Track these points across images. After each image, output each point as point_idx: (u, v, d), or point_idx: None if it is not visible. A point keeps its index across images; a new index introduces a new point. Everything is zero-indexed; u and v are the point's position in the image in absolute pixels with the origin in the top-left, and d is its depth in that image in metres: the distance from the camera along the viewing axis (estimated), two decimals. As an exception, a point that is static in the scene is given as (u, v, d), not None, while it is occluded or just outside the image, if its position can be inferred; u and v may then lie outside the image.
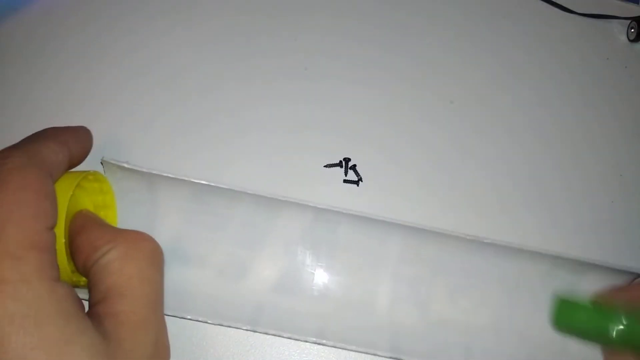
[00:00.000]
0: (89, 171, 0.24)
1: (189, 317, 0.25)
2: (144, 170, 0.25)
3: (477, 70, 0.35)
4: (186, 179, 0.25)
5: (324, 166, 0.30)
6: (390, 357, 0.26)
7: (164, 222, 0.27)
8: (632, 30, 0.37)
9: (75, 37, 0.33)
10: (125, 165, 0.25)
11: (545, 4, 0.38)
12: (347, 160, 0.31)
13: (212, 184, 0.25)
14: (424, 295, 0.27)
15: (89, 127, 0.25)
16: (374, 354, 0.26)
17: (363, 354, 0.26)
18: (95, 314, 0.19)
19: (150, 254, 0.21)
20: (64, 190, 0.21)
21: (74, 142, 0.23)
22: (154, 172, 0.25)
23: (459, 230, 0.26)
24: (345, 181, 0.30)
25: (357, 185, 0.30)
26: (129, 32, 0.33)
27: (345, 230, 0.27)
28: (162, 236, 0.25)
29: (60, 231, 0.20)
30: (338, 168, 0.30)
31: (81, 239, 0.21)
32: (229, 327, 0.25)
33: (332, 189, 0.30)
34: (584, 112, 0.35)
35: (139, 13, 0.34)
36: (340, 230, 0.27)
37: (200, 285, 0.26)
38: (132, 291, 0.20)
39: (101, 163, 0.25)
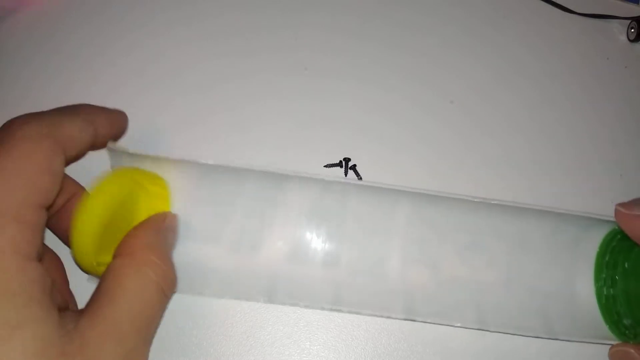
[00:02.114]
0: (154, 173, 0.24)
1: (204, 294, 0.25)
2: (151, 154, 0.25)
3: (477, 70, 0.35)
4: (194, 160, 0.25)
5: (324, 166, 0.30)
6: (404, 319, 0.26)
7: (174, 202, 0.27)
8: (632, 30, 0.37)
9: (77, 32, 0.33)
10: (131, 151, 0.25)
11: (545, 4, 0.38)
12: (347, 160, 0.31)
13: (219, 164, 0.25)
14: (433, 256, 0.28)
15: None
16: (388, 317, 0.26)
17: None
18: (79, 310, 0.19)
19: (159, 280, 0.21)
20: (124, 181, 0.22)
21: (103, 122, 0.22)
22: (161, 155, 0.25)
23: (466, 194, 0.27)
24: (345, 181, 0.30)
25: (357, 185, 0.30)
26: (128, 30, 0.33)
27: (353, 200, 0.28)
28: (180, 202, 0.26)
29: (97, 218, 0.20)
30: (338, 168, 0.30)
31: (135, 233, 0.22)
32: (245, 300, 0.26)
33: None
34: (584, 112, 0.35)
35: (140, 11, 0.34)
36: (349, 200, 0.28)
37: (213, 262, 0.26)
38: (123, 303, 0.19)
39: (107, 150, 0.25)
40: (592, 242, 0.28)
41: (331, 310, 0.26)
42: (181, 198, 0.27)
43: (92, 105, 0.22)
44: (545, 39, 0.37)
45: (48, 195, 0.18)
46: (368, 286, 0.27)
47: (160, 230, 0.23)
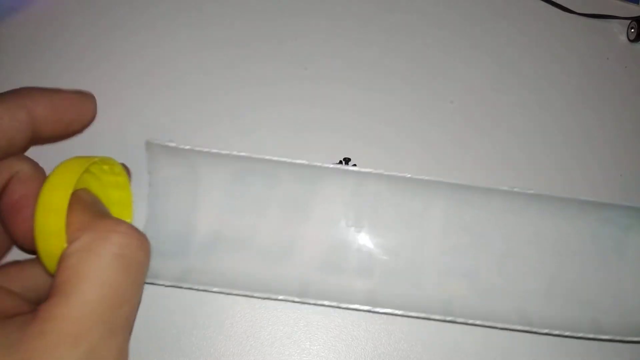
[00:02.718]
0: (102, 158, 0.21)
1: (235, 293, 0.25)
2: (187, 147, 0.26)
3: (477, 70, 0.35)
4: (230, 153, 0.26)
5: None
6: (444, 321, 0.26)
7: (207, 200, 0.27)
8: (632, 30, 0.37)
9: (78, 33, 0.33)
10: (171, 144, 0.26)
11: (545, 4, 0.38)
12: (347, 160, 0.31)
13: (258, 156, 0.26)
14: (471, 265, 0.27)
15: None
16: (427, 319, 0.26)
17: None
18: (34, 311, 0.16)
19: (119, 251, 0.17)
20: (69, 174, 0.19)
21: (44, 106, 0.19)
22: (197, 149, 0.26)
23: (503, 186, 0.27)
24: (345, 181, 0.30)
25: (357, 185, 0.30)
26: (131, 33, 0.33)
27: (385, 202, 0.28)
28: (207, 215, 0.27)
29: (59, 218, 0.18)
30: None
31: (68, 219, 0.18)
32: (277, 300, 0.25)
33: (332, 189, 0.30)
34: (583, 112, 0.35)
35: (142, 15, 0.34)
36: (381, 203, 0.28)
37: (244, 266, 0.27)
38: (79, 295, 0.16)
39: (146, 145, 0.26)
40: (637, 237, 0.28)
41: (366, 311, 0.26)
42: (215, 194, 0.27)
43: (33, 88, 0.20)
44: (545, 39, 0.37)
45: None
46: (404, 294, 0.27)
47: (82, 199, 0.19)
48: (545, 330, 0.25)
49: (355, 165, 0.31)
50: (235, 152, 0.26)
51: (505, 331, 0.27)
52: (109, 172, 0.24)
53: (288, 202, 0.27)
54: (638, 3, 0.39)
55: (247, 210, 0.27)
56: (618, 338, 0.26)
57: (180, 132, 0.31)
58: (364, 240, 0.28)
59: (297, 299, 0.25)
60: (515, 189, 0.27)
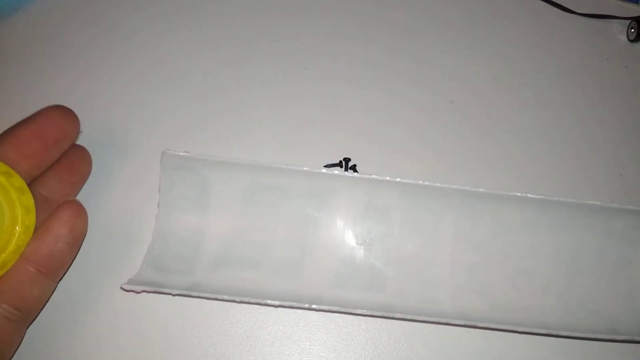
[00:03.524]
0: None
1: (246, 301, 0.25)
2: (202, 157, 0.27)
3: (478, 70, 0.35)
4: (242, 162, 0.27)
5: (324, 166, 0.30)
6: (462, 326, 0.26)
7: (217, 217, 0.27)
8: (632, 30, 0.37)
9: (78, 33, 0.33)
10: (183, 154, 0.26)
11: (545, 4, 0.38)
12: (347, 160, 0.31)
13: (270, 165, 0.27)
14: (484, 283, 0.27)
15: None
16: (446, 324, 0.26)
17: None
18: None
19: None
20: None
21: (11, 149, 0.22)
22: (210, 158, 0.27)
23: (516, 192, 0.27)
24: (345, 181, 0.30)
25: (357, 185, 0.30)
26: (129, 33, 0.33)
27: (399, 206, 0.28)
28: (216, 232, 0.27)
29: None
30: (338, 168, 0.30)
31: None
32: (290, 307, 0.26)
33: (332, 189, 0.30)
34: (584, 112, 0.35)
35: (140, 15, 0.34)
36: (395, 206, 0.28)
37: (256, 279, 0.27)
38: None
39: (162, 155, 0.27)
40: None
41: (382, 317, 0.26)
42: (224, 211, 0.27)
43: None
44: (545, 39, 0.37)
45: None
46: (419, 309, 0.26)
47: None
48: (565, 333, 0.26)
49: (355, 165, 0.31)
50: (247, 162, 0.27)
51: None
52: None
53: (298, 217, 0.27)
54: (638, 3, 0.39)
55: (257, 226, 0.27)
56: (635, 339, 0.26)
57: (178, 130, 0.31)
58: (376, 255, 0.28)
59: (310, 306, 0.25)
60: (528, 195, 0.27)
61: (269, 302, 0.25)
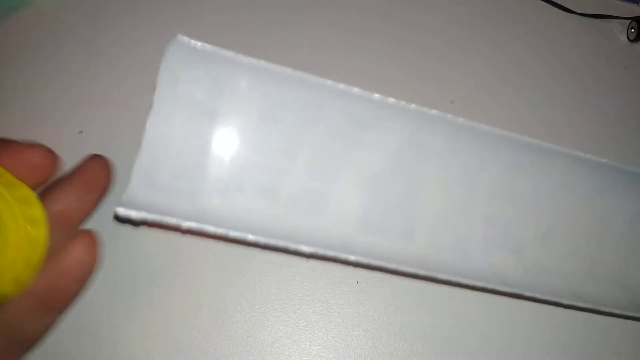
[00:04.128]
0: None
1: (263, 242, 0.20)
2: (223, 52, 0.21)
3: (478, 70, 0.35)
4: (266, 64, 0.22)
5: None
6: (491, 288, 0.24)
7: (231, 128, 0.22)
8: (632, 30, 0.37)
9: (77, 33, 0.33)
10: (202, 45, 0.21)
11: (545, 4, 0.38)
12: (347, 160, 0.30)
13: (301, 74, 0.22)
14: (517, 240, 0.26)
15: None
16: (474, 285, 0.23)
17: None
18: None
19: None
20: None
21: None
22: (227, 53, 0.22)
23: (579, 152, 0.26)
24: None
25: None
26: (127, 29, 0.33)
27: (441, 146, 0.25)
28: (228, 148, 0.22)
29: None
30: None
31: None
32: (323, 257, 0.21)
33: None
34: (584, 112, 0.35)
35: (139, 12, 0.34)
36: (437, 147, 0.25)
37: (275, 211, 0.22)
38: None
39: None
40: None
41: (413, 277, 0.23)
42: (241, 122, 0.22)
43: None
44: (545, 39, 0.37)
45: None
46: (450, 263, 0.24)
47: None
48: (592, 306, 0.24)
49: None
50: (272, 65, 0.21)
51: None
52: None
53: (326, 144, 0.23)
54: (638, 3, 0.39)
55: (280, 148, 0.23)
56: None
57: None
58: (410, 198, 0.24)
59: (341, 255, 0.21)
60: (579, 153, 0.26)
61: (301, 247, 0.20)
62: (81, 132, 0.28)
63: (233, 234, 0.19)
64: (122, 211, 0.19)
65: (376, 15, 0.36)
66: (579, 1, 0.38)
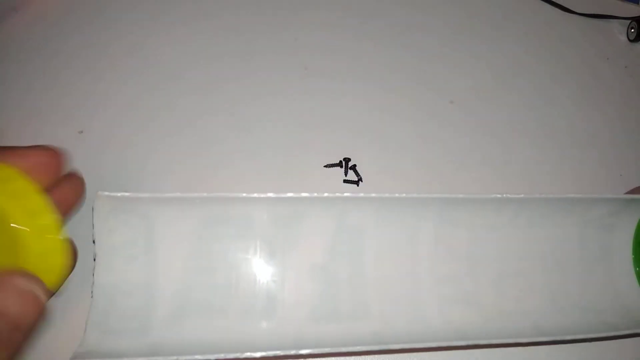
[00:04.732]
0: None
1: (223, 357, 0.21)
2: (144, 195, 0.22)
3: (478, 70, 0.35)
4: (191, 196, 0.23)
5: (324, 166, 0.30)
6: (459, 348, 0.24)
7: (169, 260, 0.23)
8: (632, 30, 0.37)
9: (77, 32, 0.33)
10: (123, 195, 0.22)
11: (545, 4, 0.38)
12: (347, 160, 0.31)
13: (225, 195, 0.23)
14: (469, 292, 0.26)
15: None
16: (449, 348, 0.24)
17: None
18: None
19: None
20: None
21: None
22: (155, 195, 0.22)
23: (494, 193, 0.25)
24: (345, 181, 0.30)
25: (357, 185, 0.30)
26: (127, 31, 0.33)
27: (373, 223, 0.25)
28: (169, 278, 0.23)
29: None
30: (338, 168, 0.30)
31: None
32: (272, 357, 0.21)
33: (332, 189, 0.30)
34: (583, 111, 0.35)
35: (140, 12, 0.34)
36: (368, 225, 0.25)
37: (226, 324, 0.23)
38: None
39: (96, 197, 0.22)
40: (626, 230, 0.28)
41: (378, 353, 0.24)
42: (177, 252, 0.23)
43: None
44: (545, 39, 0.37)
45: None
46: (409, 330, 0.24)
47: None
48: (560, 338, 0.24)
49: (355, 165, 0.30)
50: (198, 195, 0.22)
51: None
52: (6, 179, 0.20)
53: (263, 249, 0.24)
54: (638, 3, 0.39)
55: (218, 265, 0.24)
56: (622, 333, 0.25)
57: (177, 128, 0.30)
58: (354, 279, 0.25)
59: (296, 351, 0.21)
60: (507, 195, 0.25)
61: (248, 355, 0.21)
62: (81, 132, 0.28)
63: (182, 358, 0.20)
64: None
65: (376, 16, 0.36)
66: (579, 1, 0.38)
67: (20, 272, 0.18)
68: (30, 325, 0.18)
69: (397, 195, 0.24)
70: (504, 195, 0.25)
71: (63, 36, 0.33)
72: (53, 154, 0.20)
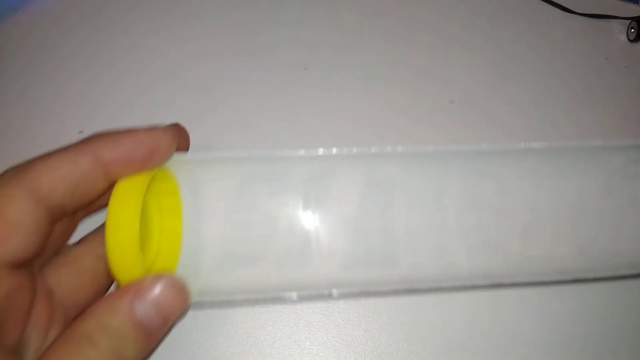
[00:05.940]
0: (156, 170, 0.22)
1: (262, 297, 0.24)
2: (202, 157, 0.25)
3: (478, 70, 0.35)
4: (234, 155, 0.25)
5: (324, 166, 0.30)
6: (485, 286, 0.25)
7: (213, 217, 0.25)
8: (632, 30, 0.37)
9: (76, 32, 0.33)
10: (186, 155, 0.24)
11: (545, 4, 0.38)
12: (347, 160, 0.31)
13: (263, 155, 0.25)
14: (496, 242, 0.26)
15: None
16: (473, 287, 0.25)
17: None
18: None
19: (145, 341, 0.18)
20: (135, 194, 0.19)
21: (111, 149, 0.19)
22: (198, 156, 0.25)
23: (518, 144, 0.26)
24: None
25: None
26: (126, 29, 0.33)
27: (402, 178, 0.26)
28: (214, 232, 0.25)
29: (134, 232, 0.19)
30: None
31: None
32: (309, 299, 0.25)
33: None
34: (584, 112, 0.35)
35: (139, 11, 0.34)
36: (397, 178, 0.26)
37: (265, 273, 0.25)
38: (107, 349, 0.17)
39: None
40: None
41: (406, 291, 0.26)
42: (219, 209, 0.25)
43: (102, 133, 0.20)
44: (545, 39, 0.37)
45: (20, 254, 0.16)
46: (439, 274, 0.25)
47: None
48: (588, 275, 0.25)
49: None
50: (239, 154, 0.25)
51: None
52: (159, 180, 0.23)
53: (298, 203, 0.26)
54: (638, 3, 0.39)
55: (258, 218, 0.26)
56: None
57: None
58: (383, 229, 0.26)
59: (330, 292, 0.23)
60: (531, 144, 0.26)
61: (286, 294, 0.23)
62: (81, 132, 0.28)
63: (227, 297, 0.24)
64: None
65: (376, 15, 0.36)
66: (579, 1, 0.38)
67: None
68: (177, 320, 0.20)
69: (422, 149, 0.25)
70: (527, 144, 0.26)
71: (63, 36, 0.33)
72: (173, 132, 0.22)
